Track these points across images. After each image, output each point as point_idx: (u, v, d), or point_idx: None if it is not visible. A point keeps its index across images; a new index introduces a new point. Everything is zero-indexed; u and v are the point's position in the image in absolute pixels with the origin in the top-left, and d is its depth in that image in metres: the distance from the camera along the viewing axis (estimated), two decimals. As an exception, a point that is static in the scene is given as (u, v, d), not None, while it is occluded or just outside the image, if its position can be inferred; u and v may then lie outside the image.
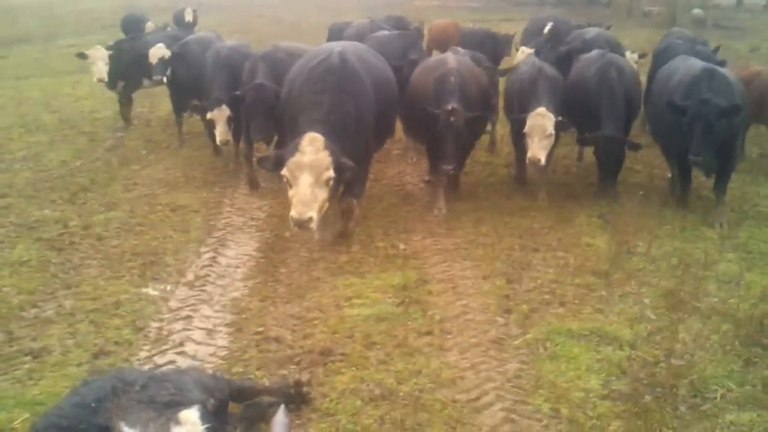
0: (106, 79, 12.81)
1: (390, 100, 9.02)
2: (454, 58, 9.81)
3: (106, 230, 8.56)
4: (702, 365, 5.69)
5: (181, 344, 6.14)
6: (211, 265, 7.71)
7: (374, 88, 8.37)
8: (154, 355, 5.97)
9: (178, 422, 3.96)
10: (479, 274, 7.42)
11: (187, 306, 6.82)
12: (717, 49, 12.34)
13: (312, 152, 6.93)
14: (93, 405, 4.03)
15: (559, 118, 9.19)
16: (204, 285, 7.29)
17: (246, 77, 9.90)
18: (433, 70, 9.54)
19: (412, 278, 7.27)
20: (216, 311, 6.71)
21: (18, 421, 5.04)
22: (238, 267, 7.68)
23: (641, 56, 13.12)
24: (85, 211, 9.17)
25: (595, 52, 10.41)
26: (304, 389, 5.32)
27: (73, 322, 6.49)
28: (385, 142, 10.01)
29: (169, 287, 7.19)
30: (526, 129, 9.14)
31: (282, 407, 4.89)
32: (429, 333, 6.25)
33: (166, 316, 6.62)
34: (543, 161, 9.09)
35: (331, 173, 6.99)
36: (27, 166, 11.11)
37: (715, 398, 5.33)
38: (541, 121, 9.06)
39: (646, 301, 6.79)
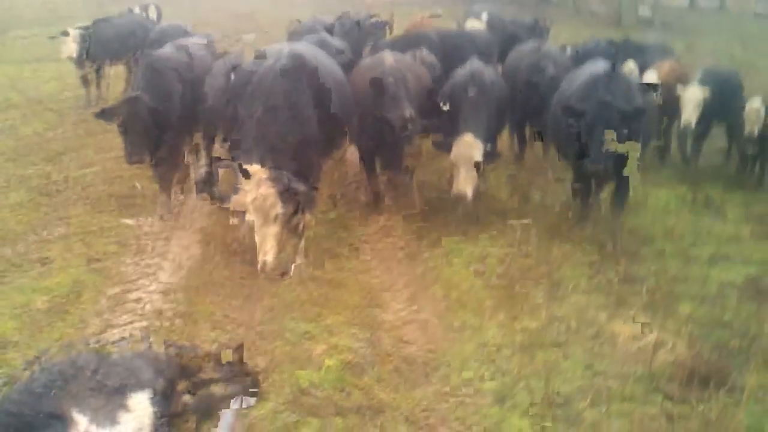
0: (75, 57, 14.90)
1: (343, 103, 8.70)
2: (391, 57, 9.90)
3: (85, 181, 10.70)
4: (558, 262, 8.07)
5: (161, 257, 8.36)
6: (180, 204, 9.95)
7: (326, 94, 8.16)
8: (137, 262, 8.17)
9: (128, 409, 4.20)
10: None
11: (162, 232, 9.05)
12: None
13: (254, 188, 6.88)
14: (43, 391, 4.28)
15: (488, 147, 9.12)
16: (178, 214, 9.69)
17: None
18: (370, 70, 9.57)
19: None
20: (187, 235, 8.94)
21: (39, 302, 7.23)
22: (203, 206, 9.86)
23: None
24: (64, 168, 11.28)
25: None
26: (256, 375, 5.83)
27: (68, 242, 8.67)
28: (339, 148, 9.97)
29: (142, 219, 9.35)
30: (452, 157, 9.10)
31: (231, 411, 5.23)
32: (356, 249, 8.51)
33: (143, 238, 8.82)
34: (470, 195, 9.06)
35: (278, 209, 6.95)
36: (5, 136, 13.17)
37: (568, 288, 7.66)
38: (468, 150, 8.99)
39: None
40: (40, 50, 20.48)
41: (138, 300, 7.44)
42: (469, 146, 8.95)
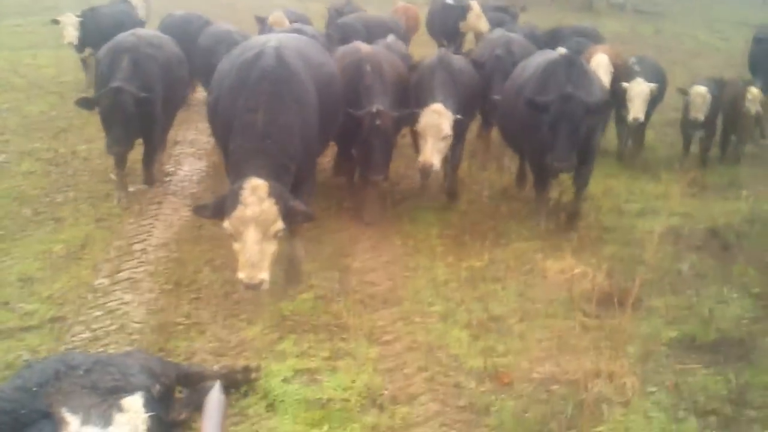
0: (76, 43, 15.89)
1: (334, 100, 8.50)
2: (366, 45, 10.00)
3: (90, 155, 11.87)
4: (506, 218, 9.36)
5: (156, 218, 9.59)
6: (174, 174, 11.16)
7: (317, 89, 7.89)
8: (138, 222, 9.40)
9: (120, 409, 4.08)
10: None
11: (159, 195, 10.28)
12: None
13: (256, 203, 6.38)
14: (35, 389, 4.22)
15: (458, 116, 8.96)
16: (170, 183, 10.80)
17: (104, 75, 9.76)
18: (343, 59, 9.60)
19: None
20: (181, 200, 10.17)
21: (56, 249, 8.47)
22: (192, 176, 11.08)
23: None
24: (69, 143, 12.44)
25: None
26: (252, 375, 5.88)
27: (77, 204, 9.85)
28: (328, 146, 9.64)
29: (143, 187, 10.56)
30: (419, 127, 8.96)
31: (218, 384, 5.12)
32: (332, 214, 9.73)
33: (143, 202, 10.04)
34: (437, 166, 8.95)
35: (279, 225, 6.51)
36: (11, 114, 14.31)
37: (510, 237, 8.93)
38: (437, 119, 8.85)
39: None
40: (34, 38, 21.84)
41: (141, 250, 8.65)
42: (438, 115, 8.77)
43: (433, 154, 8.80)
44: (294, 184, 7.21)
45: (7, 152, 12.02)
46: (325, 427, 5.52)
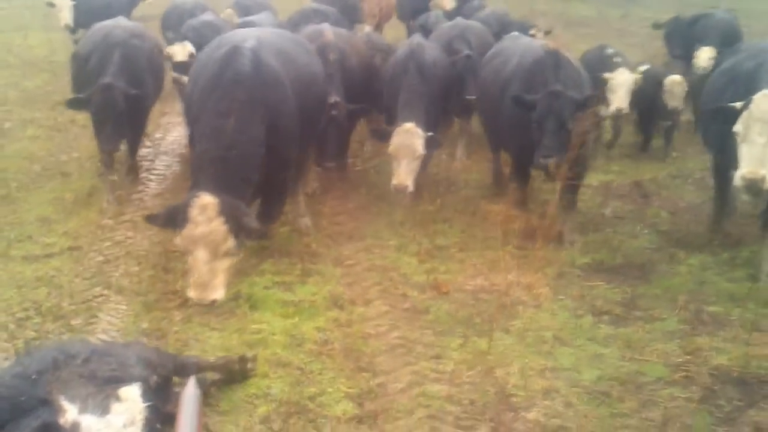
0: (72, 25, 17.17)
1: (316, 102, 8.64)
2: (330, 29, 10.14)
3: (88, 123, 12.92)
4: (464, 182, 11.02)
5: (150, 171, 11.24)
6: (163, 139, 12.82)
7: (298, 92, 7.94)
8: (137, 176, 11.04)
9: (118, 399, 4.06)
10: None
11: (151, 154, 11.95)
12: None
13: (204, 223, 6.34)
14: (34, 377, 4.27)
15: (430, 134, 9.05)
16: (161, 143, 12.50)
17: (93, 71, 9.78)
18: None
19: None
20: (171, 158, 11.82)
21: (66, 196, 10.09)
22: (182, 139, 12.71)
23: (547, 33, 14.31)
24: (67, 114, 13.43)
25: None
26: (249, 366, 6.07)
27: (81, 162, 11.51)
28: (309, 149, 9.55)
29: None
30: (391, 149, 9.07)
31: (192, 380, 5.06)
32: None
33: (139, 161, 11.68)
34: (411, 187, 9.08)
35: (230, 243, 6.47)
36: (11, 89, 15.90)
37: (461, 185, 10.61)
38: (409, 139, 8.93)
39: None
40: (21, 20, 23.61)
41: (139, 199, 10.31)
42: (410, 135, 8.89)
43: (407, 175, 8.93)
44: (265, 187, 7.61)
45: (11, 120, 13.62)
46: (297, 319, 7.16)
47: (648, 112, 12.20)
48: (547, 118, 8.17)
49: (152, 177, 11.18)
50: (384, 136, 9.15)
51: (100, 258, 8.49)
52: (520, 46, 9.65)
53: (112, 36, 10.03)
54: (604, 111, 11.40)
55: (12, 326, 6.99)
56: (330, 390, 6.11)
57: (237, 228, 6.48)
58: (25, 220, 9.43)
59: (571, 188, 8.80)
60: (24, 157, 11.69)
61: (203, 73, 7.69)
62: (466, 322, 7.21)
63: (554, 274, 8.17)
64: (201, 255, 6.38)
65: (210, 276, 6.43)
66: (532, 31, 13.49)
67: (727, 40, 12.84)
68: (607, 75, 11.35)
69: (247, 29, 9.41)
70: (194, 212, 6.36)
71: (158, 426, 4.37)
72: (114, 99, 9.30)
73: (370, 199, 10.38)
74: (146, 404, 4.13)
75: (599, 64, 11.85)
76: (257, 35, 8.14)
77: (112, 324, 7.12)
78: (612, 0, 29.81)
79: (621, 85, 11.30)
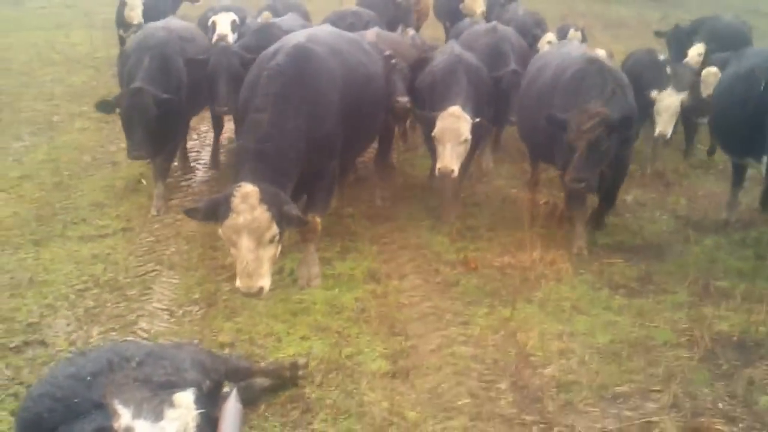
0: (144, 23, 16.25)
1: (372, 100, 8.89)
2: (377, 32, 10.75)
3: None
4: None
5: (197, 161, 12.07)
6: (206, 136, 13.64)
7: (347, 90, 8.16)
8: (183, 165, 11.84)
9: (172, 405, 4.10)
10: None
11: (198, 146, 12.81)
12: None
13: (247, 211, 6.47)
14: (88, 378, 4.31)
15: (477, 120, 8.92)
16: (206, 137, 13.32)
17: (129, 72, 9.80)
18: None
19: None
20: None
21: (117, 184, 10.92)
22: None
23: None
24: None
25: None
26: (300, 372, 6.18)
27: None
28: (368, 147, 10.37)
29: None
30: (436, 132, 8.89)
31: (234, 392, 4.93)
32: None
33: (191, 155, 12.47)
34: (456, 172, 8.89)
35: (274, 230, 6.58)
36: (57, 84, 16.78)
37: (493, 176, 11.35)
38: (455, 123, 8.81)
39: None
40: (61, 19, 24.61)
41: (188, 185, 11.19)
42: (456, 119, 8.79)
43: (452, 159, 8.77)
44: (310, 183, 7.83)
45: (60, 114, 14.51)
46: (336, 290, 7.98)
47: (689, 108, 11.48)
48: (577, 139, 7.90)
49: (199, 167, 12.01)
50: (429, 122, 9.01)
51: (152, 238, 9.31)
52: (562, 57, 9.44)
53: (151, 38, 10.05)
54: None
55: (72, 296, 7.78)
56: (366, 350, 6.89)
57: (279, 215, 6.57)
58: (79, 205, 10.13)
59: (608, 201, 9.30)
60: (74, 148, 12.51)
61: (251, 71, 8.23)
62: (493, 293, 7.98)
63: (583, 252, 8.91)
64: (245, 244, 6.47)
65: (256, 264, 6.50)
66: (570, 33, 13.72)
67: (733, 43, 12.88)
68: (654, 95, 10.77)
69: (305, 30, 9.48)
70: (236, 201, 6.46)
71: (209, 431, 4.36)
72: (144, 104, 9.12)
73: (405, 185, 11.20)
74: (199, 411, 4.17)
75: (647, 70, 11.55)
76: (310, 34, 8.52)
77: (165, 295, 7.96)
78: (654, 2, 30.03)
79: (667, 108, 10.74)
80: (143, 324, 7.33)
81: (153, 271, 8.44)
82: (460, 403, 6.19)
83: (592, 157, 7.90)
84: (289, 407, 6.06)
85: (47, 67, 18.66)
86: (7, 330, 7.11)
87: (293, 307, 7.58)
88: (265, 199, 6.49)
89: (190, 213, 6.93)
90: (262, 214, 6.45)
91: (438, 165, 8.83)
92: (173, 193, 10.70)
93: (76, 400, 4.23)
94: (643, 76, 11.22)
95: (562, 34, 13.88)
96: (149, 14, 16.11)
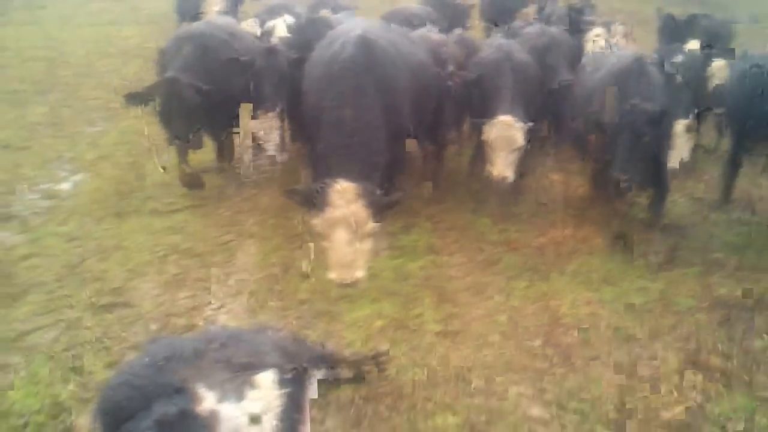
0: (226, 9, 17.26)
1: (425, 88, 9.16)
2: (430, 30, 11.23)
3: None
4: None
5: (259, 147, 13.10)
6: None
7: (409, 76, 8.48)
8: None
9: (253, 385, 4.18)
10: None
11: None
12: None
13: (344, 205, 6.69)
14: (168, 365, 4.33)
15: (530, 124, 9.14)
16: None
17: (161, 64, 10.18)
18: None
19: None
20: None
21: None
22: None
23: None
24: None
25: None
26: (383, 362, 6.36)
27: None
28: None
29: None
30: (488, 139, 9.17)
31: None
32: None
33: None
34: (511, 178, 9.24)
35: (371, 224, 6.83)
36: (114, 76, 17.64)
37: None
38: (507, 131, 9.04)
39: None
40: (111, 15, 26.21)
41: (260, 164, 12.15)
42: (508, 127, 9.06)
43: (506, 167, 9.09)
44: (387, 165, 7.98)
45: (117, 101, 15.51)
46: (401, 260, 9.05)
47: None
48: (621, 133, 8.19)
49: (269, 148, 12.79)
50: (480, 127, 9.35)
51: (229, 212, 10.33)
52: (610, 57, 9.81)
53: (190, 30, 10.51)
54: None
55: (156, 263, 8.70)
56: (427, 313, 7.93)
57: (376, 210, 6.86)
58: (147, 184, 11.08)
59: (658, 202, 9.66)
60: (134, 132, 13.02)
61: (316, 70, 8.38)
62: (532, 269, 9.02)
63: (606, 230, 9.86)
64: (341, 237, 6.72)
65: (351, 257, 6.78)
66: (613, 28, 14.30)
67: (716, 41, 13.82)
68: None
69: (352, 23, 9.76)
70: (335, 197, 6.69)
71: (295, 416, 4.44)
72: (179, 93, 9.37)
73: (450, 170, 12.07)
74: (282, 391, 4.26)
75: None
76: (363, 26, 8.67)
77: (245, 260, 8.98)
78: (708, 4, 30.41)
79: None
80: (227, 288, 8.21)
81: (232, 240, 9.39)
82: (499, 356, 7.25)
83: (636, 151, 8.12)
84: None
85: (104, 59, 19.85)
86: (97, 290, 7.98)
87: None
88: (362, 195, 6.77)
89: (289, 194, 7.28)
90: (360, 210, 6.73)
91: (492, 172, 9.19)
92: (246, 171, 11.84)
93: (154, 386, 4.18)
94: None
95: (607, 28, 14.43)
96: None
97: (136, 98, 9.67)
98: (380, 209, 6.97)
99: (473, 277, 8.83)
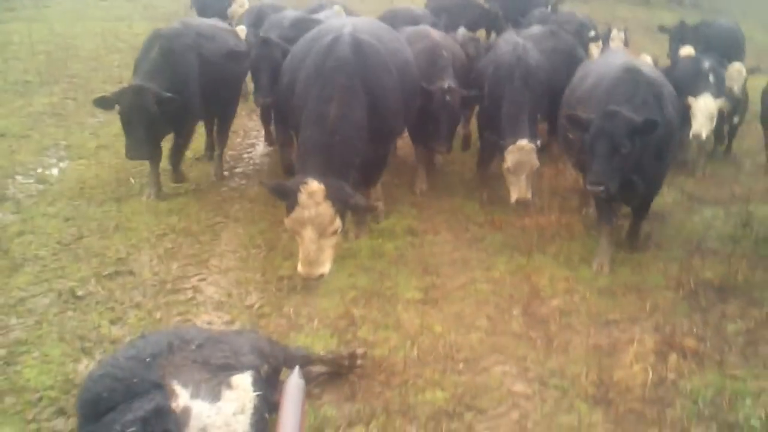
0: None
1: (410, 86, 9.16)
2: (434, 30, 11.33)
3: None
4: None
5: (257, 138, 13.67)
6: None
7: (398, 74, 8.55)
8: (245, 140, 13.41)
9: (229, 386, 4.28)
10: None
11: (242, 110, 14.32)
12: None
13: (312, 207, 6.92)
14: (148, 360, 4.43)
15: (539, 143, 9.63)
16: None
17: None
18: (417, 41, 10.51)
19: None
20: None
21: (194, 147, 12.41)
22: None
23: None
24: None
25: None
26: (358, 362, 6.35)
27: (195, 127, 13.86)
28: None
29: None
30: (508, 165, 9.49)
31: (297, 369, 4.97)
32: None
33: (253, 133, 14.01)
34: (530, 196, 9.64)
35: (337, 224, 7.07)
36: (123, 70, 17.62)
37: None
38: (526, 157, 9.41)
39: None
40: (122, 11, 26.65)
41: (249, 157, 12.87)
42: (526, 152, 9.43)
43: (527, 189, 9.55)
44: (366, 163, 8.30)
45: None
46: (380, 240, 9.45)
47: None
48: (597, 140, 7.79)
49: (259, 142, 13.54)
50: (497, 150, 9.81)
51: (219, 198, 10.85)
52: (603, 66, 9.42)
53: (159, 33, 10.30)
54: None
55: (153, 239, 9.17)
56: (403, 284, 8.34)
57: (343, 209, 7.13)
58: (144, 173, 11.15)
59: (639, 215, 9.43)
60: None
61: (303, 63, 8.32)
62: (513, 246, 9.46)
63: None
64: (309, 235, 6.97)
65: (317, 254, 7.03)
66: (613, 33, 15.11)
67: (728, 48, 14.15)
68: (690, 100, 11.12)
69: (340, 19, 10.25)
70: (303, 197, 6.90)
71: (266, 415, 4.55)
72: (143, 103, 9.20)
73: (444, 162, 12.64)
74: (256, 393, 4.38)
75: (693, 78, 11.67)
76: (353, 22, 8.79)
77: (232, 240, 9.43)
78: (696, 10, 30.89)
79: (701, 111, 11.16)
80: (214, 262, 8.71)
81: (221, 222, 9.89)
82: (478, 323, 7.65)
83: (613, 160, 7.75)
84: (337, 320, 7.43)
85: (113, 54, 20.33)
86: (100, 262, 8.47)
87: (341, 252, 8.49)
88: (330, 195, 6.96)
89: (266, 186, 7.66)
90: (326, 210, 6.95)
91: (515, 196, 9.59)
92: (237, 162, 12.46)
93: (135, 380, 4.30)
94: (690, 81, 11.53)
95: (606, 35, 15.31)
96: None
97: (103, 102, 9.62)
98: (352, 209, 7.43)
99: (459, 253, 9.28)
